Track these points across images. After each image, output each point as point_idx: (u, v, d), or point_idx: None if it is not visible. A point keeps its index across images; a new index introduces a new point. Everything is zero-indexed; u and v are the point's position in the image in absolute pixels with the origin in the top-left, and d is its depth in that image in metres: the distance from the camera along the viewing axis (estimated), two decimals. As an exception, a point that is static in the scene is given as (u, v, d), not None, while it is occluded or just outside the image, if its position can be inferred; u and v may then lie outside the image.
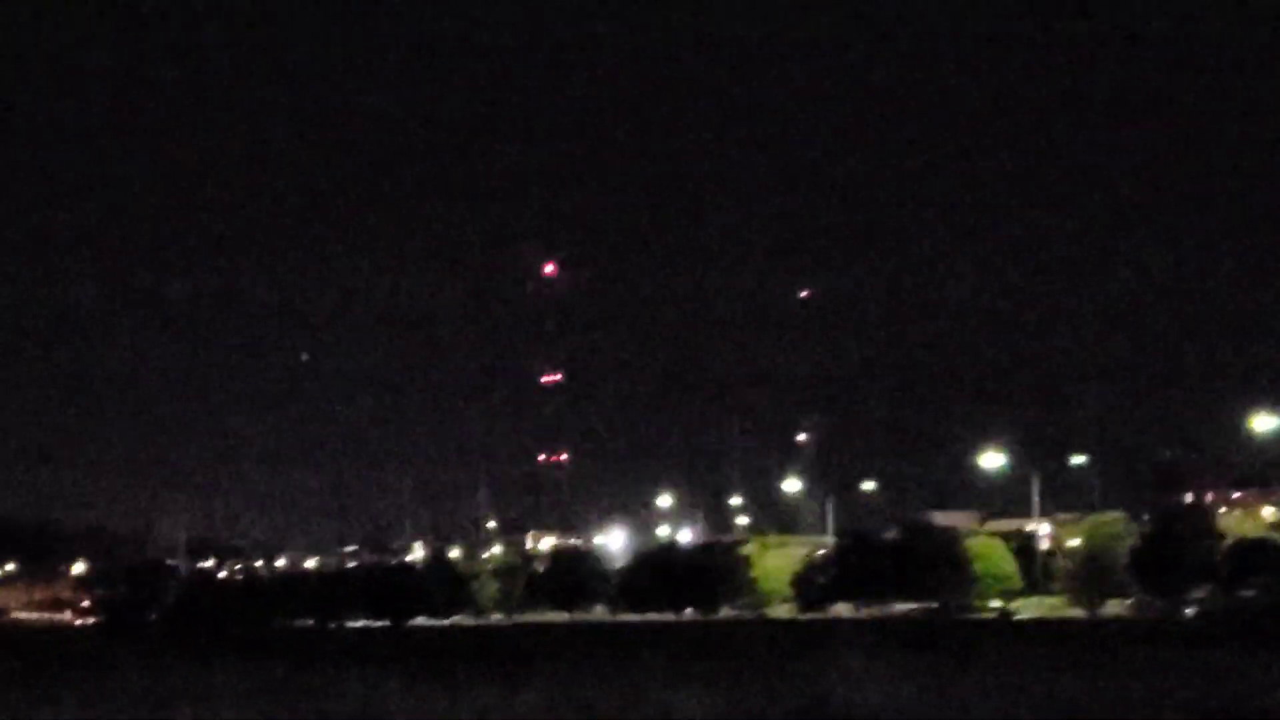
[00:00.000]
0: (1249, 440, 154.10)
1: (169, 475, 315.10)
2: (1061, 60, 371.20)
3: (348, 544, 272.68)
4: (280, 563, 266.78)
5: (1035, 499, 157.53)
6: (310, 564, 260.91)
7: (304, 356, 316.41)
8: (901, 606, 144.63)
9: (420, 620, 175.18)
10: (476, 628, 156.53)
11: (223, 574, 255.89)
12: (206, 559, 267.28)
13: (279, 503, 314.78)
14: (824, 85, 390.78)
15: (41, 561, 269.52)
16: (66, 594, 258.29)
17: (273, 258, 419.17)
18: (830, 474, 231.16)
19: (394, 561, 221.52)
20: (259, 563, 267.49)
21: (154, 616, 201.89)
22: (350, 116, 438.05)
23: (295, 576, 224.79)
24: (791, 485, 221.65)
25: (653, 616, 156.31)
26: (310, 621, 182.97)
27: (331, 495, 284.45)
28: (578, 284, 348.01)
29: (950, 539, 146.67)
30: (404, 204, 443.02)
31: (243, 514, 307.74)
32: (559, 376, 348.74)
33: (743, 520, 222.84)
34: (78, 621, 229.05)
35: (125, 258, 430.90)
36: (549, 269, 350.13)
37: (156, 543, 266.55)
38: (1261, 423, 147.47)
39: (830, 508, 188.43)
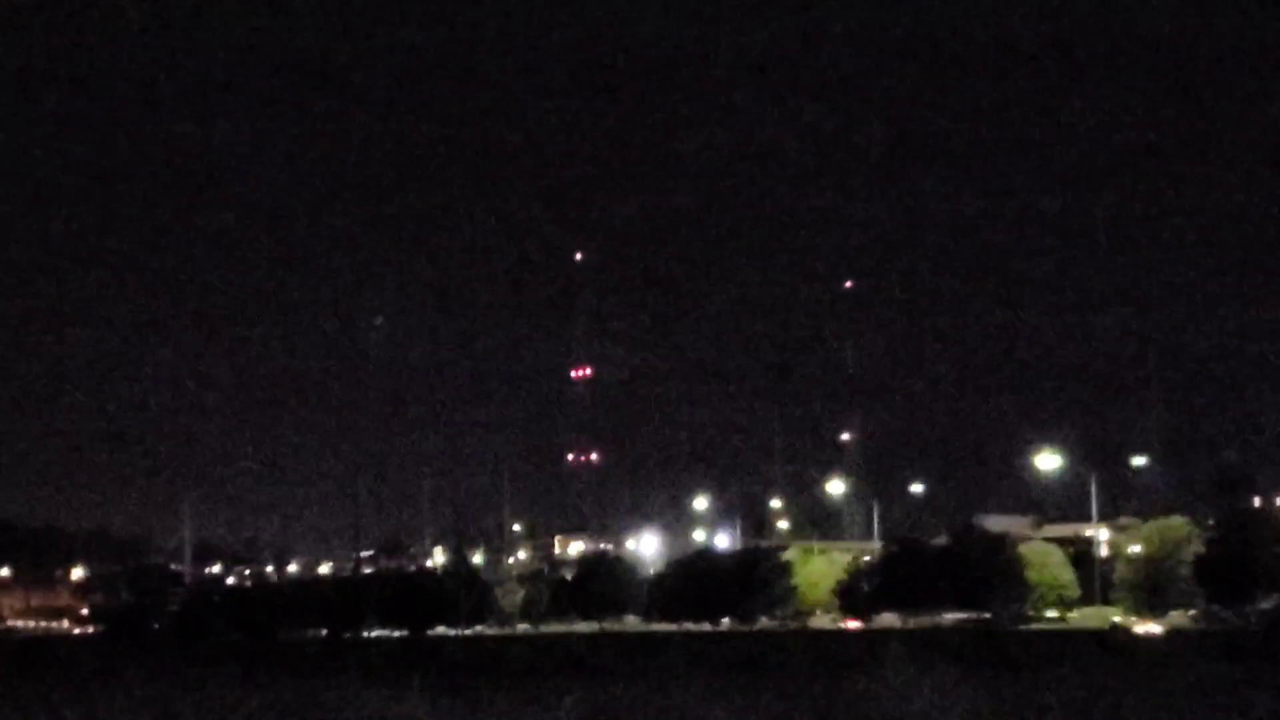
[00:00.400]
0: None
1: (173, 476, 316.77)
2: (1100, 48, 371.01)
3: (363, 549, 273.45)
4: (292, 568, 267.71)
5: (1094, 502, 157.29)
6: (324, 570, 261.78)
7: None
8: (951, 617, 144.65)
9: (440, 630, 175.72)
10: (500, 638, 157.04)
11: (230, 580, 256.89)
12: (213, 564, 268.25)
13: (291, 505, 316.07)
14: (870, 69, 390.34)
15: (39, 567, 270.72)
16: (65, 601, 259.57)
17: (284, 256, 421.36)
18: (876, 476, 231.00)
19: (413, 568, 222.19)
20: (269, 568, 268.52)
21: (157, 625, 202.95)
22: (354, 112, 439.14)
23: (307, 583, 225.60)
24: (835, 487, 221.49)
25: (688, 627, 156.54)
26: (323, 631, 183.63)
27: (346, 497, 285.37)
28: (609, 273, 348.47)
29: (1003, 545, 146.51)
30: (423, 194, 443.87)
31: (252, 517, 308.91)
32: (589, 371, 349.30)
33: (783, 525, 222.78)
34: (77, 630, 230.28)
35: (130, 258, 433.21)
36: (579, 257, 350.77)
37: (160, 547, 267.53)
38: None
39: (876, 512, 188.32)
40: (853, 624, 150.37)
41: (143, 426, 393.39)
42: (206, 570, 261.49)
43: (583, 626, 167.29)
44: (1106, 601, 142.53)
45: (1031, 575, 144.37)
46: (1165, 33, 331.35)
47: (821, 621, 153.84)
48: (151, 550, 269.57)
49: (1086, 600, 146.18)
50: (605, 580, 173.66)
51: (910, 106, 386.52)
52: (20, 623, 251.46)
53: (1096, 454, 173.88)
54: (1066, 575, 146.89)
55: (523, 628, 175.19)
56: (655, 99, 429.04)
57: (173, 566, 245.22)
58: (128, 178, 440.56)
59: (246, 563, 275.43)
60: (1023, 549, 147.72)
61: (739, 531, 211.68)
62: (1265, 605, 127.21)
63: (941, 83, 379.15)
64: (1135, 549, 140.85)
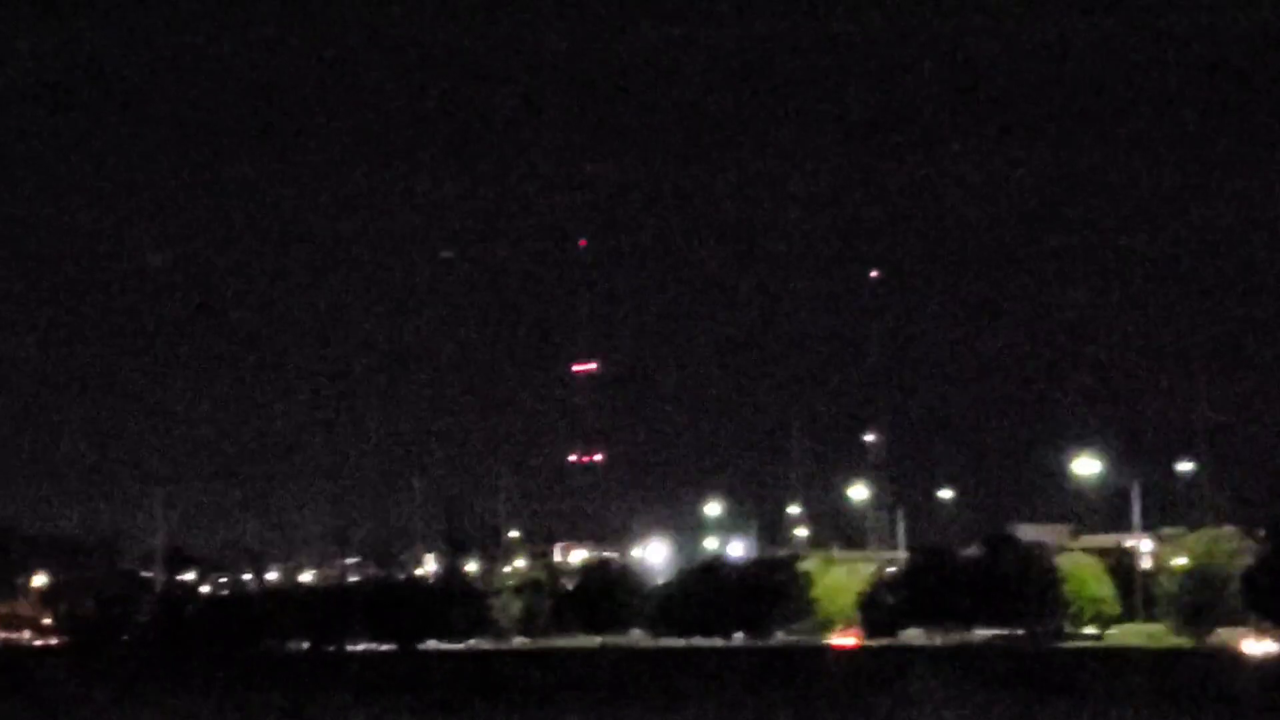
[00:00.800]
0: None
1: (144, 477, 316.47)
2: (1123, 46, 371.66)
3: (349, 555, 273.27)
4: (272, 576, 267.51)
5: (1136, 511, 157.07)
6: (306, 578, 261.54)
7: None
8: (982, 633, 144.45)
9: (432, 643, 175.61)
10: (496, 652, 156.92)
11: (205, 588, 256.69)
12: (187, 571, 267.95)
13: (271, 508, 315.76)
14: (887, 63, 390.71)
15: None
16: (26, 610, 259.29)
17: (263, 246, 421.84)
18: (902, 480, 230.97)
19: (402, 576, 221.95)
20: (247, 576, 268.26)
21: (126, 637, 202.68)
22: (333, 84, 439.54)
23: (289, 592, 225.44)
24: (858, 493, 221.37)
25: (698, 642, 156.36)
26: (305, 644, 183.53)
27: (331, 500, 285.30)
28: (615, 260, 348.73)
29: (1038, 556, 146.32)
30: (417, 176, 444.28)
31: (229, 520, 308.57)
32: (594, 366, 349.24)
33: (802, 532, 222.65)
34: (39, 641, 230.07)
35: (95, 253, 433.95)
36: (582, 243, 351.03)
37: (129, 553, 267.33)
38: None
39: (901, 519, 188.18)
40: (848, 640, 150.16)
41: (112, 422, 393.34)
42: (180, 577, 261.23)
43: (585, 640, 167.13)
44: (1149, 618, 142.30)
45: (1069, 589, 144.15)
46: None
47: (842, 637, 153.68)
48: (121, 556, 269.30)
49: (1127, 616, 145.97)
50: (609, 591, 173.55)
51: (936, 102, 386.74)
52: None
53: (1140, 459, 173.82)
54: (1106, 589, 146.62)
55: (520, 641, 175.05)
56: (658, 72, 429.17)
57: (143, 573, 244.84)
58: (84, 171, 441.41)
59: (223, 569, 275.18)
60: (1060, 560, 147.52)
61: (754, 539, 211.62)
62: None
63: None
64: (1180, 561, 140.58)
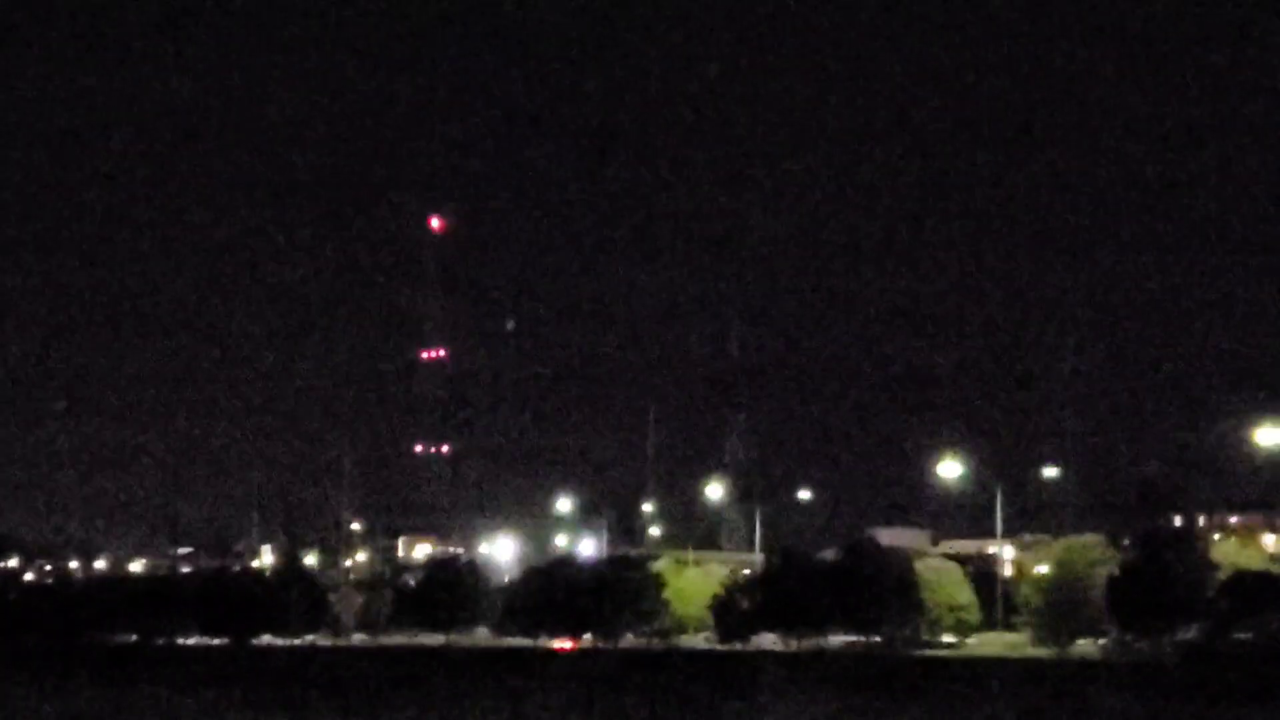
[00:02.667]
0: (1250, 456, 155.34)
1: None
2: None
3: (182, 545, 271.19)
4: (100, 565, 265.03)
5: (998, 517, 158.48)
6: (136, 567, 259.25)
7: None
8: (838, 639, 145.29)
9: (267, 639, 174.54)
10: (335, 649, 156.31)
11: (29, 576, 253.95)
12: (9, 558, 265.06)
13: (100, 494, 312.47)
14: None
15: None
16: None
17: (106, 236, 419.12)
18: (759, 480, 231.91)
19: (237, 568, 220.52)
20: (74, 564, 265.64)
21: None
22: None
23: (116, 582, 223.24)
24: (714, 492, 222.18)
25: (544, 642, 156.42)
26: (133, 636, 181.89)
27: (164, 487, 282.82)
28: (466, 243, 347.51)
29: (897, 561, 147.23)
30: (265, 153, 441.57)
31: (55, 506, 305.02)
32: (442, 353, 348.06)
33: (655, 532, 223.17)
34: None
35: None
36: (434, 223, 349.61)
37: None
38: (1265, 436, 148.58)
39: (758, 521, 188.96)
40: (563, 644, 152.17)
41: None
42: (1, 564, 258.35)
43: (427, 638, 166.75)
44: (1009, 626, 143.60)
45: (928, 596, 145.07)
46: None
47: (694, 640, 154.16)
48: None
49: (987, 625, 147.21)
50: (454, 588, 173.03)
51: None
52: None
53: (1003, 464, 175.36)
54: (966, 596, 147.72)
55: (360, 638, 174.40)
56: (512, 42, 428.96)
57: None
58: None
59: (49, 556, 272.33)
60: (919, 566, 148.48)
61: (606, 538, 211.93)
62: (1184, 635, 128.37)
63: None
64: (1042, 569, 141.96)
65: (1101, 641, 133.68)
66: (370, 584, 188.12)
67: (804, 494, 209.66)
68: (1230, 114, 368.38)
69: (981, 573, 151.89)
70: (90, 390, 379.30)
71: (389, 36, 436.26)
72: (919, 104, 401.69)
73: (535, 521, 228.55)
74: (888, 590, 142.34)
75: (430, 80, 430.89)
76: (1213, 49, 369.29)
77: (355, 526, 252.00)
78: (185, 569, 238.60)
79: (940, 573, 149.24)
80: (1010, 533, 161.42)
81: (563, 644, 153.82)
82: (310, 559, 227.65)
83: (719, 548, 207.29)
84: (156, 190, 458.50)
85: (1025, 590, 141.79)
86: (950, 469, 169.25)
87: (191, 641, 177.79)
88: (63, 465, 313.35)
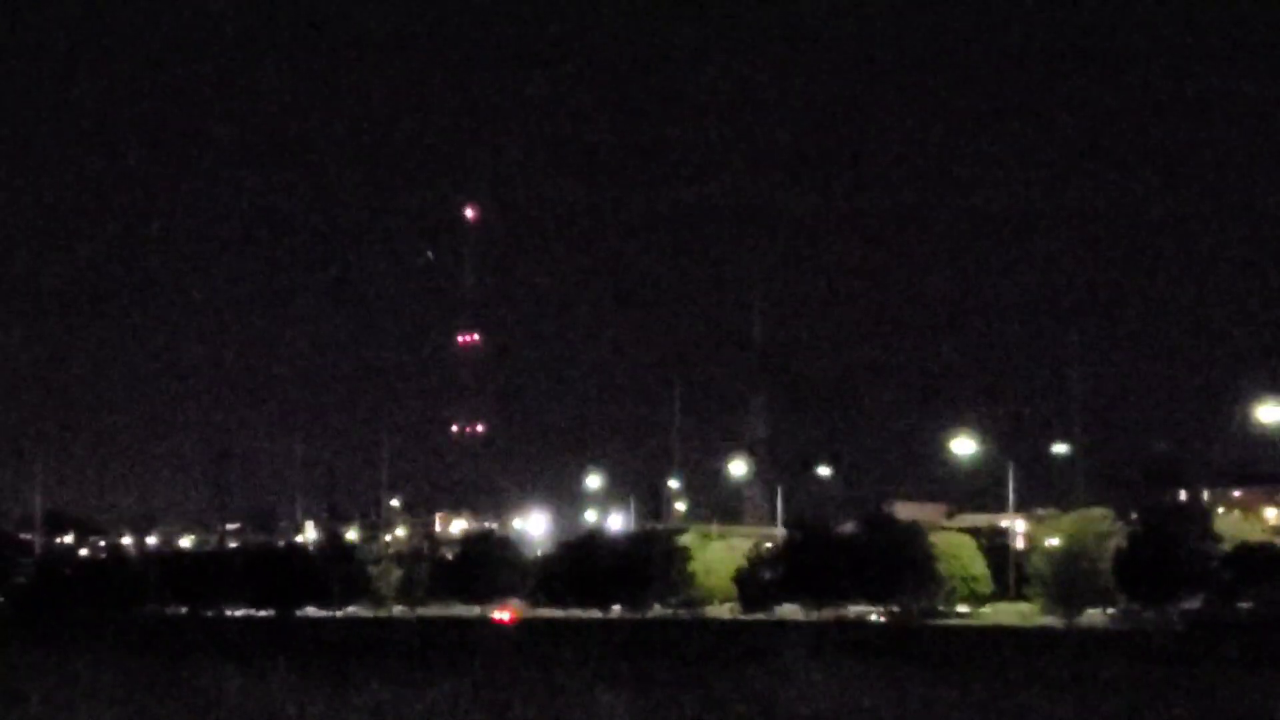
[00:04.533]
0: (1252, 432, 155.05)
1: (21, 438, 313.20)
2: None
3: (229, 521, 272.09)
4: (151, 540, 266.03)
5: (1010, 491, 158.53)
6: (185, 543, 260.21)
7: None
8: (857, 609, 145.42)
9: (310, 610, 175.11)
10: (375, 620, 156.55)
11: (84, 552, 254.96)
12: (65, 534, 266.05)
13: (151, 472, 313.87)
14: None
15: None
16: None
17: (147, 218, 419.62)
18: (781, 457, 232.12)
19: (282, 543, 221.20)
20: (126, 540, 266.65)
21: (2, 599, 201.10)
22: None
23: (168, 556, 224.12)
24: (737, 468, 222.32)
25: (575, 614, 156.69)
26: (183, 609, 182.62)
27: (212, 464, 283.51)
28: (500, 232, 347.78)
29: (914, 534, 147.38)
30: (305, 145, 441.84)
31: (109, 483, 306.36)
32: (476, 337, 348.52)
33: (681, 507, 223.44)
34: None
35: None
36: (469, 213, 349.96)
37: (6, 515, 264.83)
38: (1268, 413, 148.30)
39: (780, 495, 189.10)
40: (503, 614, 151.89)
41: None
42: (58, 540, 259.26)
43: (463, 610, 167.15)
44: (1021, 597, 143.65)
45: (943, 567, 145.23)
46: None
47: (719, 611, 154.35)
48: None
49: (999, 595, 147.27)
50: (489, 562, 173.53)
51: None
52: None
53: (1015, 440, 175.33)
54: (979, 568, 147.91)
55: (399, 610, 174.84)
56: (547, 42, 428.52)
57: (21, 536, 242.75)
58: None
59: (102, 533, 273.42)
60: (934, 539, 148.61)
61: (633, 513, 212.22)
62: (1189, 605, 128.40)
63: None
64: (1052, 542, 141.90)
65: (1110, 611, 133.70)
66: (409, 558, 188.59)
67: (823, 469, 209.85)
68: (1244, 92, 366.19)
69: (994, 545, 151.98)
70: (141, 372, 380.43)
71: (425, 34, 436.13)
72: (940, 89, 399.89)
73: (566, 498, 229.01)
74: (905, 562, 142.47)
75: (460, 69, 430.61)
76: None
77: (394, 503, 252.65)
78: (233, 544, 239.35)
79: (955, 545, 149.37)
80: (1022, 507, 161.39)
81: (500, 615, 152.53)
82: (351, 534, 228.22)
83: (741, 522, 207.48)
84: (202, 172, 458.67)
85: (1036, 562, 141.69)
86: (964, 445, 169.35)
87: (239, 613, 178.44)
88: (115, 444, 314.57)
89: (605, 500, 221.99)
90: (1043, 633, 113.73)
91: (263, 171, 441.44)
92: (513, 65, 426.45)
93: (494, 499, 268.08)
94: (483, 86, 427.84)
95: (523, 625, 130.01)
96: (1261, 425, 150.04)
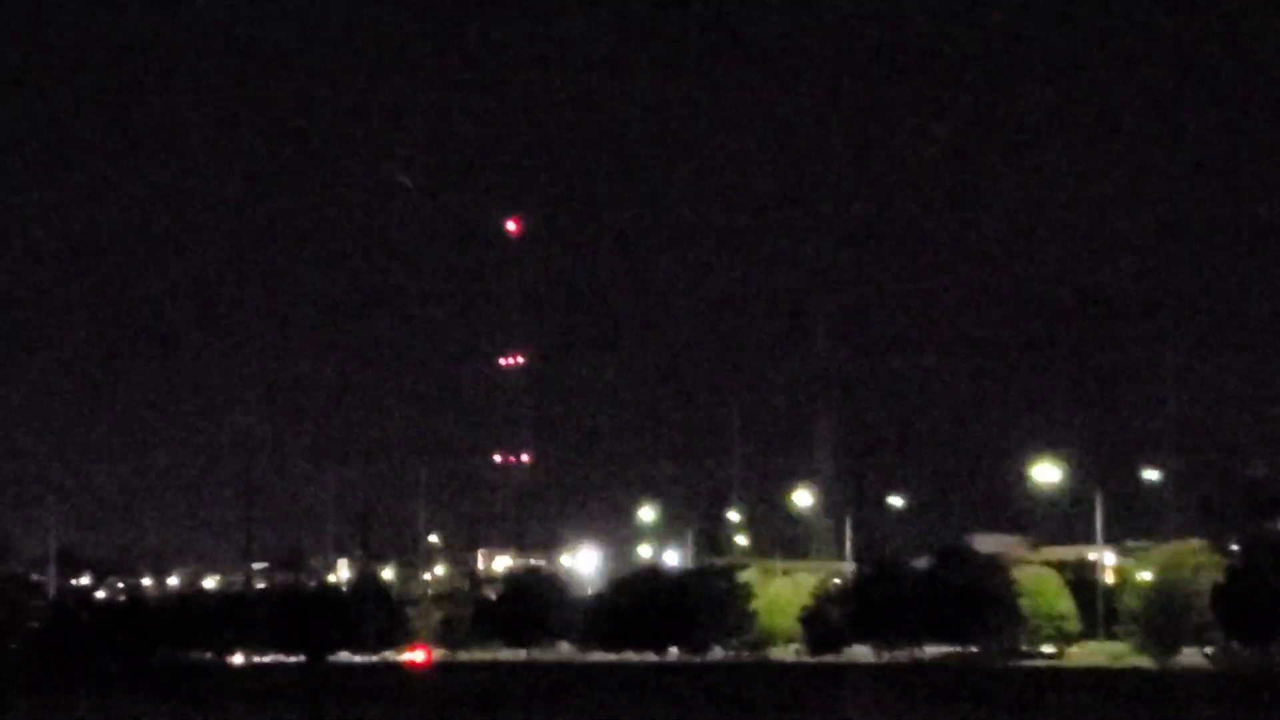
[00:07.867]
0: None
1: (34, 472, 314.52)
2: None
3: (256, 561, 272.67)
4: (173, 581, 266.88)
5: (1099, 522, 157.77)
6: (209, 584, 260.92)
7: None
8: (933, 650, 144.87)
9: (344, 656, 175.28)
10: (414, 664, 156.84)
11: (101, 593, 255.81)
12: (81, 575, 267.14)
13: (173, 508, 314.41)
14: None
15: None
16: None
17: (166, 237, 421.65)
18: (850, 486, 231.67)
19: (313, 583, 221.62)
20: (146, 580, 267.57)
21: (15, 645, 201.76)
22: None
23: (190, 599, 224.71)
24: (802, 499, 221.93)
25: (630, 656, 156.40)
26: (208, 654, 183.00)
27: (238, 500, 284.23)
28: (546, 247, 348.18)
29: (994, 569, 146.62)
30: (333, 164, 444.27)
31: (127, 521, 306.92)
32: (520, 359, 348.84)
33: (742, 541, 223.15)
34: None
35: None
36: (511, 226, 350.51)
37: (18, 555, 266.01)
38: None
39: (849, 528, 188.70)
40: (414, 655, 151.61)
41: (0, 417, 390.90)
42: (74, 582, 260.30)
43: (509, 654, 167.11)
44: (1110, 635, 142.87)
45: (1026, 604, 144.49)
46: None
47: (784, 653, 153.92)
48: (10, 558, 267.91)
49: (1088, 634, 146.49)
50: (535, 601, 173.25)
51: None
52: None
53: (1103, 467, 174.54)
54: (1065, 605, 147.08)
55: (440, 654, 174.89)
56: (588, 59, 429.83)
57: (34, 577, 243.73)
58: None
59: (120, 574, 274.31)
60: (1017, 574, 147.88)
61: (691, 548, 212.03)
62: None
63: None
64: (1145, 576, 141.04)
65: (1207, 650, 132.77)
66: (449, 598, 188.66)
67: (895, 500, 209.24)
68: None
69: (1081, 580, 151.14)
70: (163, 403, 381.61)
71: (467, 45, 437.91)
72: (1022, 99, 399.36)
73: (618, 532, 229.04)
74: (984, 599, 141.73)
75: (498, 81, 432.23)
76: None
77: (433, 539, 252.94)
78: (260, 585, 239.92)
79: (1039, 581, 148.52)
80: (1111, 539, 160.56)
81: (412, 657, 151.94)
82: (387, 573, 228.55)
83: (807, 557, 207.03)
84: (226, 191, 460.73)
85: (1127, 598, 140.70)
86: (1048, 473, 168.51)
87: (267, 659, 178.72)
88: (133, 480, 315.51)
89: (661, 534, 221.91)
90: (1135, 674, 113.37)
91: (294, 193, 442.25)
92: (563, 80, 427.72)
93: (540, 534, 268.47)
94: (520, 95, 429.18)
95: (439, 668, 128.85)
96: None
